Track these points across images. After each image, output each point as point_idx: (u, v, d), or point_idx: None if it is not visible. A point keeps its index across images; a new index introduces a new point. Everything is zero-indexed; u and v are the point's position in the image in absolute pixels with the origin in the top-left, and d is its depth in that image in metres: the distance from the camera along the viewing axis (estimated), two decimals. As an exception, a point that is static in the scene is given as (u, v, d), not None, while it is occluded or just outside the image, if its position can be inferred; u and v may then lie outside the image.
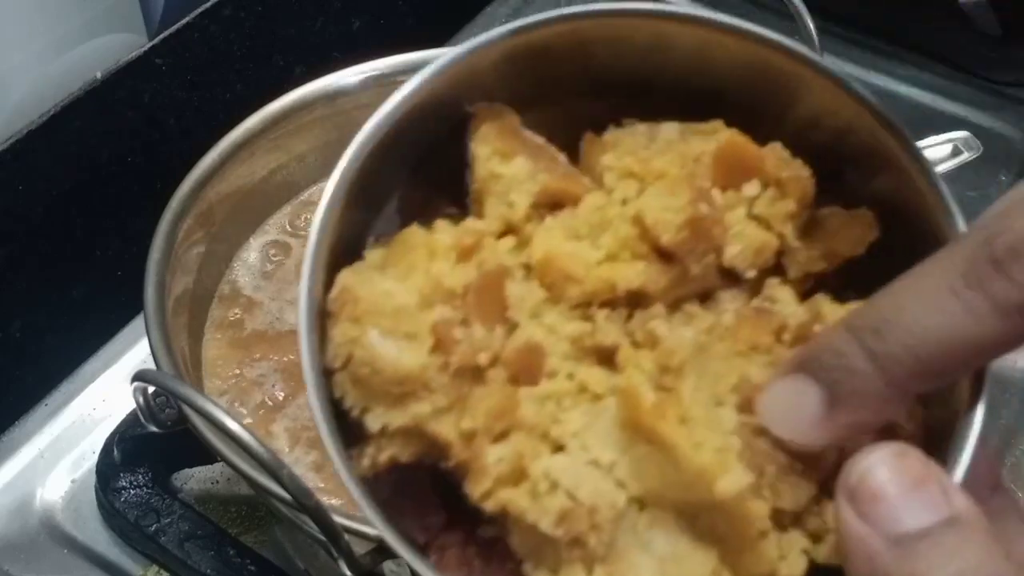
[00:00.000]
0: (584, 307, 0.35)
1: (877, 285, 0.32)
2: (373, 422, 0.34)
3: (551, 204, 0.37)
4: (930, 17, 0.95)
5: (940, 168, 0.61)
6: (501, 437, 0.33)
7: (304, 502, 0.45)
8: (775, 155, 0.37)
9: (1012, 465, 0.72)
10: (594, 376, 0.34)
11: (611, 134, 0.38)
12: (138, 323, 0.69)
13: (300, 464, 0.60)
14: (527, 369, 0.34)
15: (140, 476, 0.70)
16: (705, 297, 0.37)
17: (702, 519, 0.33)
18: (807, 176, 0.37)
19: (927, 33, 0.97)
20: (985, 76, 0.97)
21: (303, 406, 0.63)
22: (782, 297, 0.36)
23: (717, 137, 0.37)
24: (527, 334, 0.34)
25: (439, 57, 0.36)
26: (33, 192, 0.72)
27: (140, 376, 0.49)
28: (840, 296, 0.36)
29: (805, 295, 0.37)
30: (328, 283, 0.35)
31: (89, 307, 0.78)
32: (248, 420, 0.62)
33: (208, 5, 0.78)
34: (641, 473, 0.33)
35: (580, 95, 0.39)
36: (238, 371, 0.64)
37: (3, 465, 0.73)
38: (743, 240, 0.36)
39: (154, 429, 0.54)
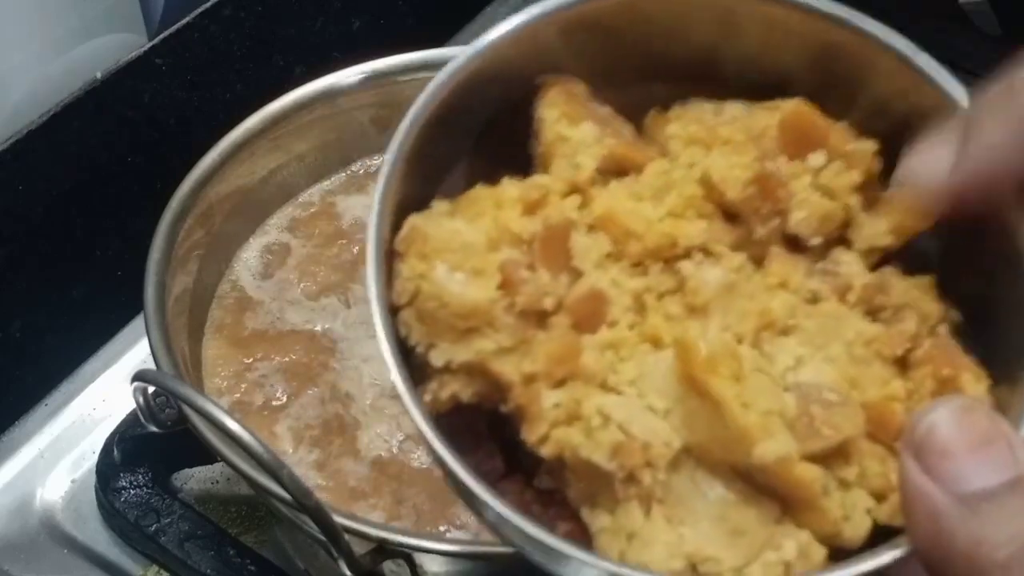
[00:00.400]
0: (644, 264, 0.36)
1: (948, 271, 0.33)
2: (437, 357, 0.34)
3: (616, 170, 0.37)
4: (930, 17, 0.95)
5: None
6: (560, 383, 0.34)
7: (304, 502, 0.45)
8: (840, 129, 0.37)
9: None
10: (655, 327, 0.34)
11: (676, 109, 0.38)
12: (138, 323, 0.69)
13: (303, 464, 0.60)
14: (590, 317, 0.34)
15: (140, 476, 0.70)
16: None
17: (759, 476, 0.33)
18: (872, 150, 0.36)
19: (927, 33, 0.97)
20: (985, 76, 0.97)
21: (305, 405, 0.63)
22: (847, 260, 0.36)
23: (783, 108, 0.37)
24: (591, 282, 0.35)
25: (498, 27, 0.37)
26: (33, 192, 0.72)
27: (140, 376, 0.49)
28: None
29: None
30: (395, 229, 0.36)
31: (89, 307, 0.78)
32: (249, 420, 0.62)
33: (208, 5, 0.78)
34: (693, 425, 0.33)
35: (642, 79, 0.39)
36: (239, 371, 0.64)
37: (3, 465, 0.73)
38: (808, 207, 0.36)
39: (154, 429, 0.54)
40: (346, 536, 0.48)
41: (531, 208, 0.36)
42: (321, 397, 0.63)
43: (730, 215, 0.36)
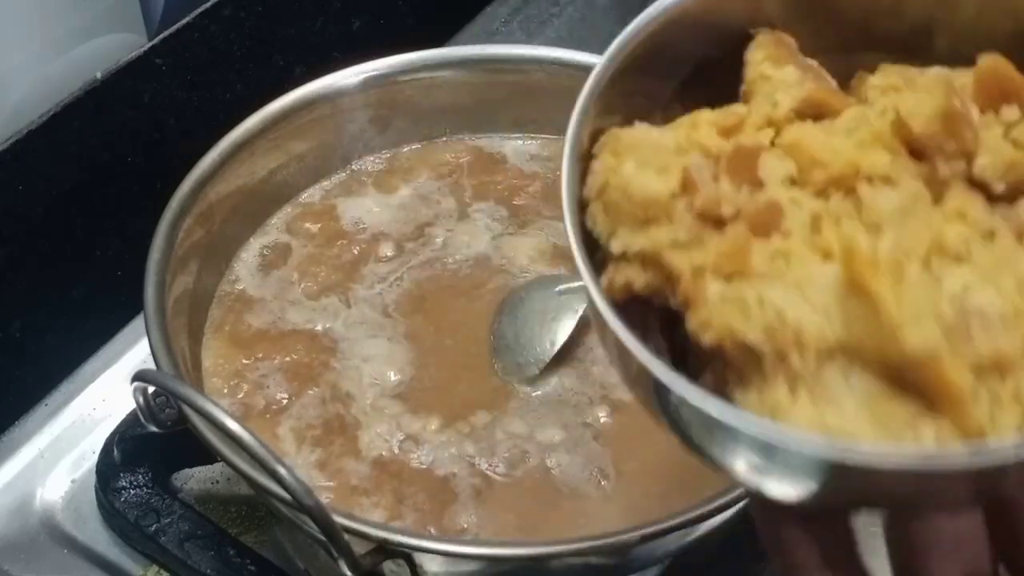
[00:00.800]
0: (827, 191, 0.37)
1: None
2: (616, 244, 0.37)
3: (814, 114, 0.38)
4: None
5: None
6: (728, 279, 0.36)
7: (304, 501, 0.45)
8: None
9: (1012, 465, 0.72)
10: (827, 240, 0.36)
11: (882, 67, 0.39)
12: (138, 323, 0.69)
13: (305, 463, 0.60)
14: (765, 225, 0.36)
15: (140, 476, 0.70)
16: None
17: (907, 376, 0.34)
18: None
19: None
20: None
21: (307, 405, 0.63)
22: None
23: (980, 61, 0.37)
24: (771, 193, 0.36)
25: None
26: (33, 192, 0.72)
27: (140, 376, 0.49)
28: None
29: None
30: (592, 142, 0.38)
31: (89, 307, 0.78)
32: (252, 423, 0.62)
33: (208, 5, 0.78)
34: (849, 324, 0.34)
35: (853, 49, 0.40)
36: (239, 371, 0.64)
37: (3, 465, 0.73)
38: (995, 154, 0.36)
39: (154, 429, 0.54)
40: (346, 536, 0.48)
41: (725, 132, 0.38)
42: (322, 397, 0.63)
43: (917, 153, 0.37)
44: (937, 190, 0.37)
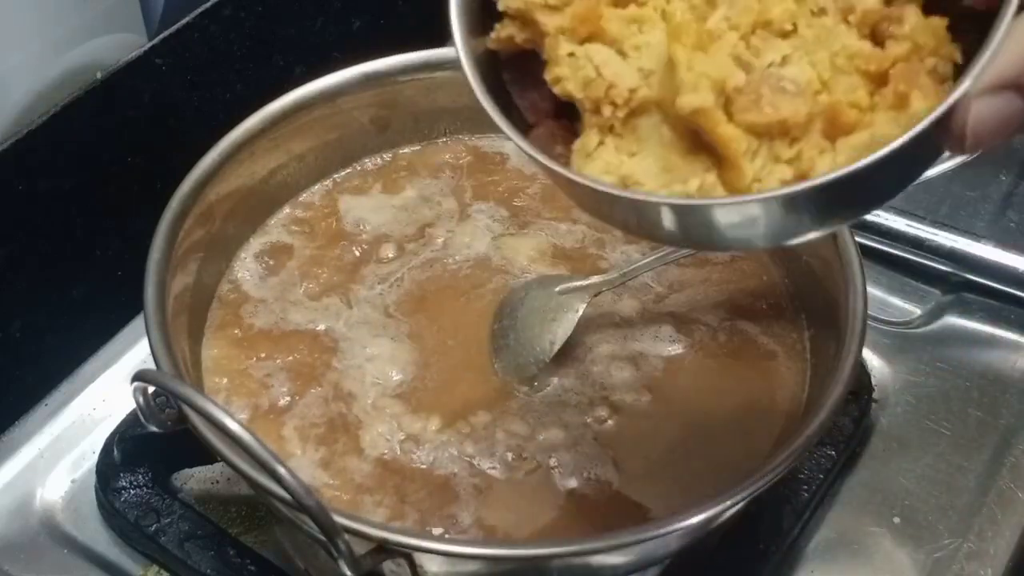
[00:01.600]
0: None
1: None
2: (500, 3, 0.44)
3: None
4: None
5: (940, 167, 0.61)
6: (586, 41, 0.42)
7: (304, 501, 0.45)
8: None
9: (1012, 465, 0.72)
10: (672, 9, 0.42)
11: None
12: (138, 323, 0.69)
13: (309, 462, 0.60)
14: None
15: (140, 476, 0.70)
16: None
17: (702, 134, 0.40)
18: None
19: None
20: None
21: (310, 404, 0.63)
22: None
23: None
24: None
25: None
26: (33, 192, 0.72)
27: (140, 376, 0.49)
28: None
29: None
30: None
31: (89, 307, 0.78)
32: (257, 423, 0.62)
33: (208, 5, 0.78)
34: (663, 85, 0.41)
35: None
36: (241, 371, 0.64)
37: (3, 465, 0.73)
38: None
39: (154, 429, 0.54)
40: (346, 536, 0.48)
41: None
42: (325, 396, 0.63)
43: None
44: None
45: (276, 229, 0.72)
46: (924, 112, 0.37)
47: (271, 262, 0.70)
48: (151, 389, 0.51)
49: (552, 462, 0.60)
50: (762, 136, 0.40)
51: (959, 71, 0.39)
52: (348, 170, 0.75)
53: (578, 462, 0.60)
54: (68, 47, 0.76)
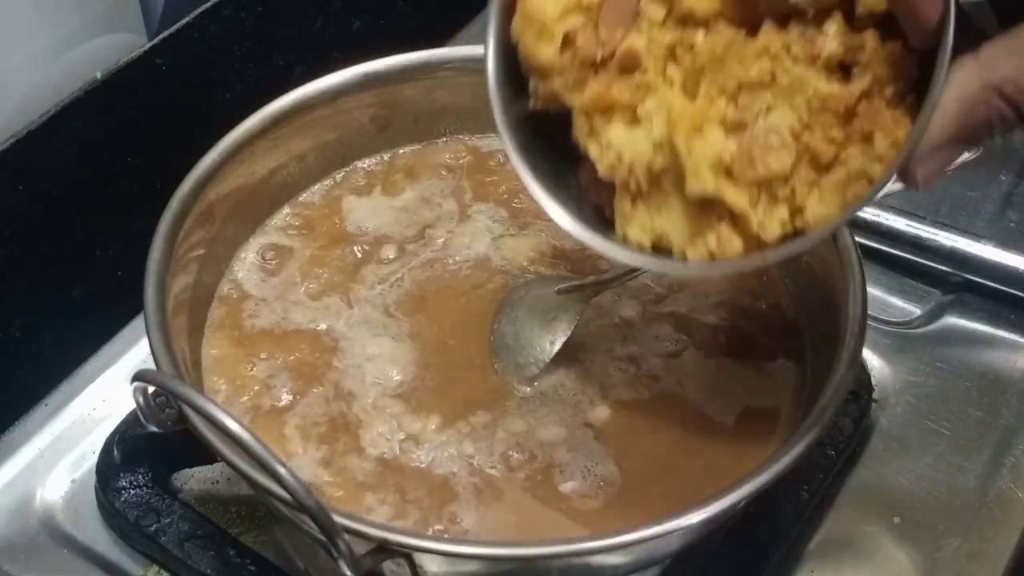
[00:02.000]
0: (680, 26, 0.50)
1: None
2: (531, 85, 0.52)
3: None
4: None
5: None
6: (607, 111, 0.50)
7: (304, 501, 0.45)
8: None
9: (1012, 465, 0.72)
10: (672, 75, 0.49)
11: None
12: (138, 323, 0.68)
13: (310, 461, 0.60)
14: (629, 66, 0.50)
15: (140, 476, 0.70)
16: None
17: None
18: None
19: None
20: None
21: (311, 403, 0.63)
22: (828, 31, 0.46)
23: None
24: (629, 42, 0.50)
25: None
26: (33, 192, 0.72)
27: (140, 376, 0.49)
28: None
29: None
30: None
31: (89, 307, 0.78)
32: (259, 422, 0.62)
33: (208, 5, 0.78)
34: (673, 157, 0.49)
35: None
36: (242, 371, 0.64)
37: (3, 465, 0.73)
38: None
39: (154, 429, 0.54)
40: (346, 536, 0.48)
41: None
42: (326, 396, 0.63)
43: None
44: (757, 22, 0.47)
45: (276, 229, 0.72)
46: (886, 151, 0.45)
47: (272, 262, 0.70)
48: (151, 389, 0.51)
49: (552, 462, 0.60)
50: (761, 186, 0.47)
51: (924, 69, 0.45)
52: (348, 170, 0.75)
53: (578, 462, 0.60)
54: (68, 47, 0.76)
